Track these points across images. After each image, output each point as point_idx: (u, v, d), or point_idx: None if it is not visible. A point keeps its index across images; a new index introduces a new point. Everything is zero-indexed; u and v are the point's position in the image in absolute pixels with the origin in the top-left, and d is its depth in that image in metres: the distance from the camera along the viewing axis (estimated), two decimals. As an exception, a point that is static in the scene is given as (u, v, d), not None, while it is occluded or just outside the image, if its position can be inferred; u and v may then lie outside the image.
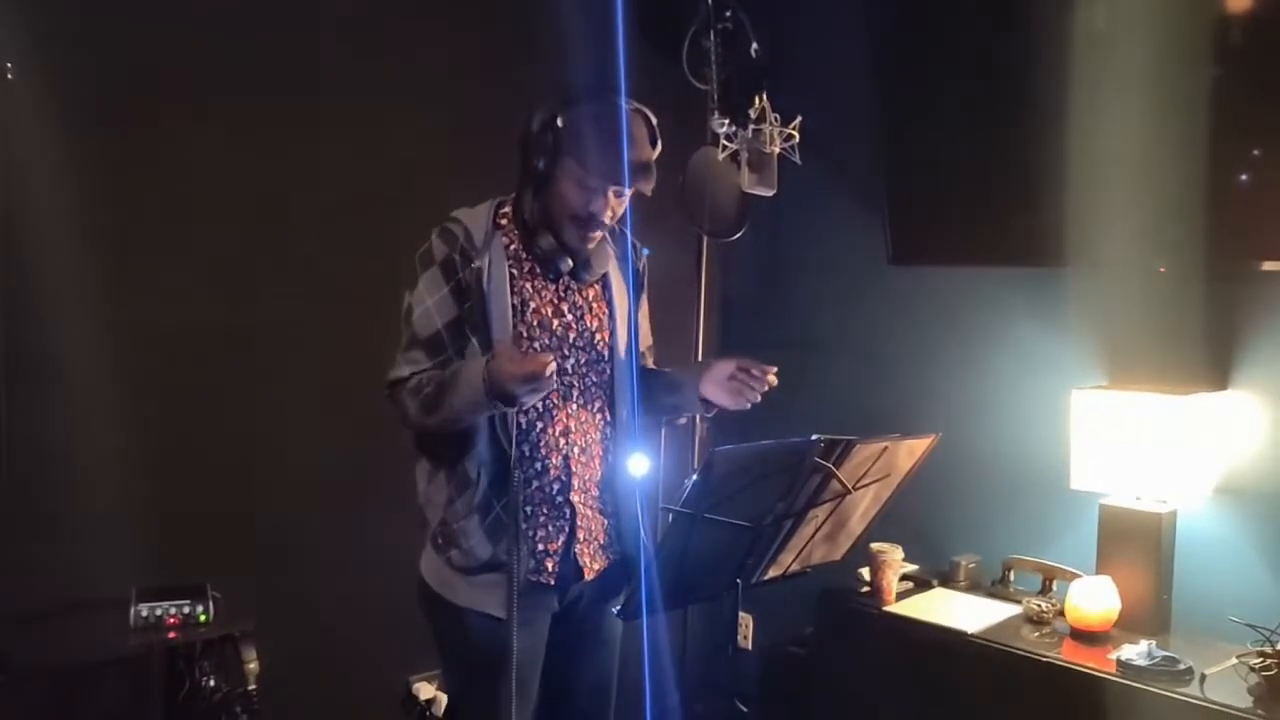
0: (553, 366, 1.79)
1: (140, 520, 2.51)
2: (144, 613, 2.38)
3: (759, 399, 2.03)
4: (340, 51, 2.85)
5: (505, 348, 1.88)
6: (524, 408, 1.91)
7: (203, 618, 2.42)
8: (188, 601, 2.42)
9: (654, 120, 2.01)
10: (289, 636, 2.62)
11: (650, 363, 2.30)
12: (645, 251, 2.22)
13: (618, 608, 2.05)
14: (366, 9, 2.90)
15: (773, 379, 2.01)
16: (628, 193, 1.99)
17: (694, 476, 1.78)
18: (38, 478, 2.44)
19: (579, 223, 1.97)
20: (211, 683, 2.47)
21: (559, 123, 1.93)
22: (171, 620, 2.39)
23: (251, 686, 2.43)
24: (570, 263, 2.02)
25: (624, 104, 1.96)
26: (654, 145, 2.01)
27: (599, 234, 2.02)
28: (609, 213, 1.98)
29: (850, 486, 1.94)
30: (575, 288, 2.08)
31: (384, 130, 2.91)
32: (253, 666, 2.43)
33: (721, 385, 2.04)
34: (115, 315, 2.52)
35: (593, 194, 1.95)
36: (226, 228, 2.69)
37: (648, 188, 1.97)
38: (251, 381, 2.73)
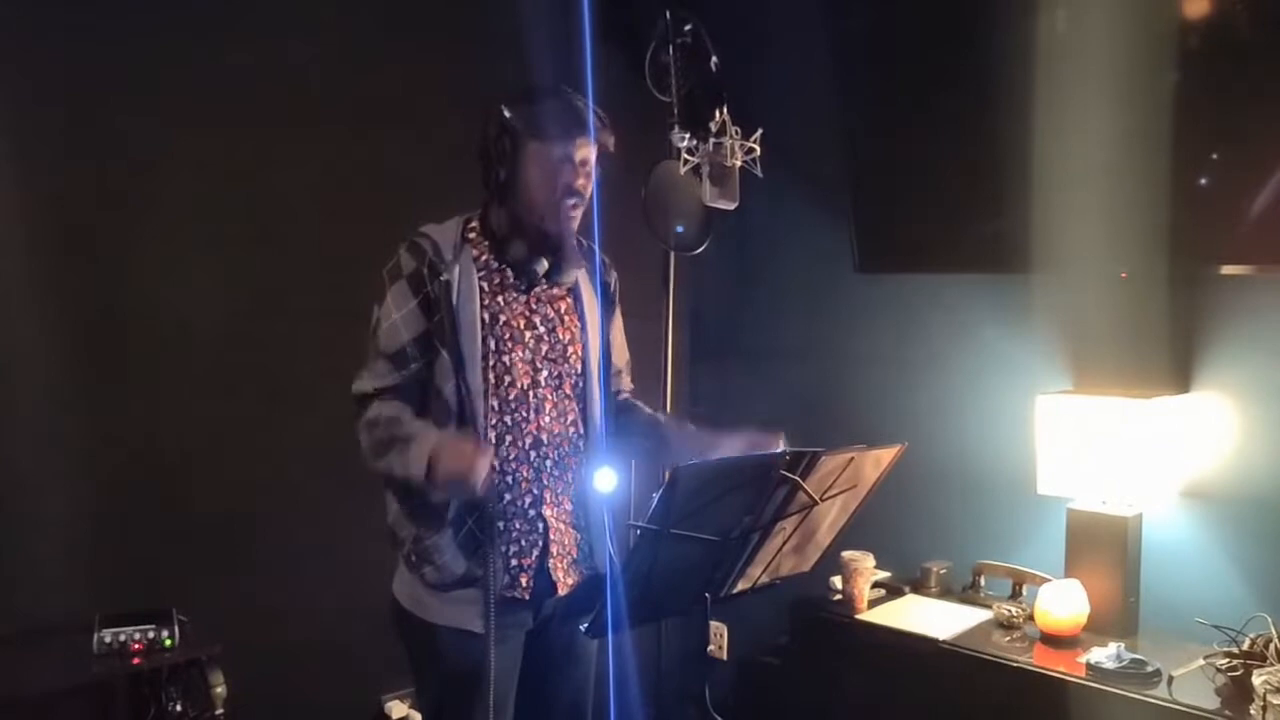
0: (483, 474, 1.78)
1: (103, 544, 2.48)
2: (107, 639, 2.33)
3: None
4: (323, 65, 2.83)
5: (456, 438, 1.88)
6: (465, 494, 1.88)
7: (168, 642, 2.37)
8: (152, 626, 2.37)
9: (604, 115, 2.02)
10: (257, 659, 2.58)
11: (628, 380, 2.29)
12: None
13: (585, 625, 2.04)
14: (340, 23, 2.89)
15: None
16: (593, 154, 1.99)
17: (659, 492, 1.78)
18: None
19: (554, 205, 1.97)
20: (178, 708, 2.43)
21: (507, 115, 1.95)
22: (136, 646, 2.34)
23: (219, 711, 2.39)
24: (545, 264, 2.01)
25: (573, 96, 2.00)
26: (605, 127, 2.02)
27: (581, 208, 2.01)
28: (580, 180, 1.97)
29: (817, 498, 1.93)
30: (546, 300, 2.07)
31: (372, 141, 2.90)
32: (220, 691, 2.39)
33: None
34: (74, 331, 2.48)
35: (558, 166, 1.95)
36: (203, 239, 2.67)
37: (610, 141, 1.99)
38: (217, 401, 2.70)
